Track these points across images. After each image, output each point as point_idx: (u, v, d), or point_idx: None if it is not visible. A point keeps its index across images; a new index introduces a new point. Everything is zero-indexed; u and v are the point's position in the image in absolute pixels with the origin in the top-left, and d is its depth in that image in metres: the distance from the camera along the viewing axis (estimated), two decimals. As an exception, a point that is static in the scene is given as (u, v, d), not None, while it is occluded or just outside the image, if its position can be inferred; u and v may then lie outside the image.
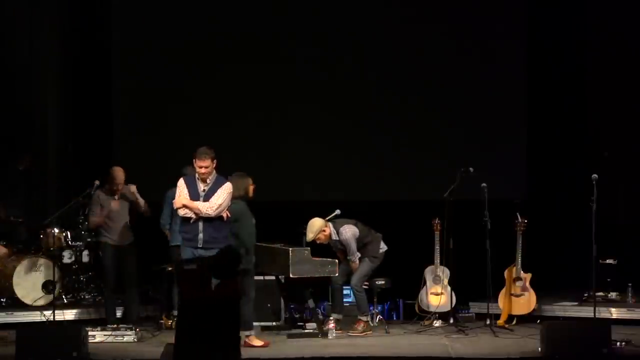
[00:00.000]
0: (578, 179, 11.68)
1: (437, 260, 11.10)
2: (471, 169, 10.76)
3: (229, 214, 9.24)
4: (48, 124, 12.76)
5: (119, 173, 10.64)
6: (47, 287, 11.10)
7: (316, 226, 10.54)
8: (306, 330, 10.62)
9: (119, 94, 12.89)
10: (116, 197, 10.61)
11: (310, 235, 10.56)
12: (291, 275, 10.14)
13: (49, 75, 12.81)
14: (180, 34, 12.80)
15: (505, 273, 11.01)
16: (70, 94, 12.92)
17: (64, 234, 11.55)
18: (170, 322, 10.96)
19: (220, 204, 9.07)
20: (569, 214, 12.05)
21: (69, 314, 10.89)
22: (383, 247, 10.79)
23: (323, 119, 12.73)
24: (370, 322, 10.72)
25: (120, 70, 12.90)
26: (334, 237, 10.67)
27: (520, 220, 10.93)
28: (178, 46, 12.81)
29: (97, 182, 10.60)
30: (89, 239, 11.73)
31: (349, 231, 10.62)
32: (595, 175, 9.75)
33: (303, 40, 12.82)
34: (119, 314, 10.92)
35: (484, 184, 10.66)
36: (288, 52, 12.84)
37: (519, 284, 10.94)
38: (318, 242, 10.63)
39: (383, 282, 11.05)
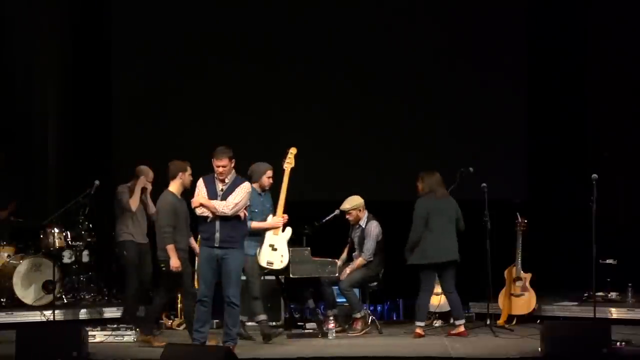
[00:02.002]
0: (578, 179, 11.67)
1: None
2: (471, 168, 10.76)
3: (246, 213, 9.24)
4: (48, 124, 12.77)
5: (151, 173, 10.64)
6: (47, 287, 11.10)
7: (356, 201, 10.74)
8: (306, 330, 10.62)
9: (118, 93, 12.90)
10: (143, 196, 10.64)
11: (346, 205, 10.70)
12: (291, 275, 10.14)
13: (49, 75, 12.81)
14: (180, 33, 12.82)
15: (505, 273, 11.01)
16: (70, 93, 12.92)
17: (64, 234, 11.55)
18: (170, 322, 10.98)
19: (237, 203, 9.05)
20: (569, 214, 12.04)
21: (69, 314, 10.89)
22: (381, 275, 10.85)
23: (324, 119, 12.75)
24: (367, 320, 10.71)
25: (119, 69, 12.91)
26: (362, 223, 10.75)
27: (520, 220, 10.93)
28: (178, 46, 12.83)
29: (97, 182, 10.60)
30: (89, 239, 11.74)
31: (377, 228, 10.76)
32: (595, 175, 9.75)
33: (305, 40, 12.84)
34: (119, 314, 10.93)
35: (484, 184, 10.66)
36: (290, 52, 12.85)
37: (519, 284, 10.94)
38: (347, 217, 10.73)
39: (375, 283, 11.02)
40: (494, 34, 12.77)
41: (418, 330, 10.20)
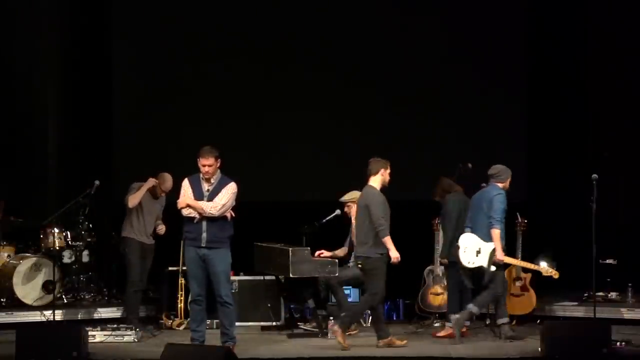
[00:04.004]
0: (578, 179, 11.67)
1: (437, 260, 11.10)
2: (470, 164, 10.77)
3: (233, 214, 9.23)
4: (48, 124, 12.77)
5: (169, 182, 10.63)
6: (47, 287, 11.10)
7: (355, 195, 10.66)
8: (306, 330, 10.61)
9: (118, 93, 12.89)
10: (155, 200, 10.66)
11: (345, 197, 10.70)
12: (291, 275, 10.14)
13: (50, 75, 12.81)
14: (181, 32, 12.82)
15: (505, 273, 11.00)
16: (70, 94, 12.92)
17: (64, 234, 11.55)
18: (170, 322, 10.98)
19: (224, 204, 9.06)
20: (569, 214, 12.04)
21: (69, 314, 10.89)
22: None
23: (324, 119, 12.74)
24: (362, 322, 10.68)
25: (120, 70, 12.91)
26: None
27: (520, 220, 10.93)
28: (178, 46, 12.83)
29: (97, 182, 10.58)
30: (89, 239, 11.74)
31: None
32: (595, 175, 9.75)
33: (305, 41, 12.84)
34: (119, 314, 10.94)
35: (484, 184, 10.66)
36: (288, 53, 12.85)
37: (519, 284, 10.94)
38: (345, 209, 10.72)
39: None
40: (494, 34, 12.77)
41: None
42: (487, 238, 9.84)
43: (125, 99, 12.89)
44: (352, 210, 10.78)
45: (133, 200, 10.48)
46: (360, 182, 11.67)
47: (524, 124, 12.80)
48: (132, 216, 10.55)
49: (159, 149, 12.55)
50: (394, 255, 9.50)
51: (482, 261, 9.87)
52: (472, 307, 9.86)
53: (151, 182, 10.59)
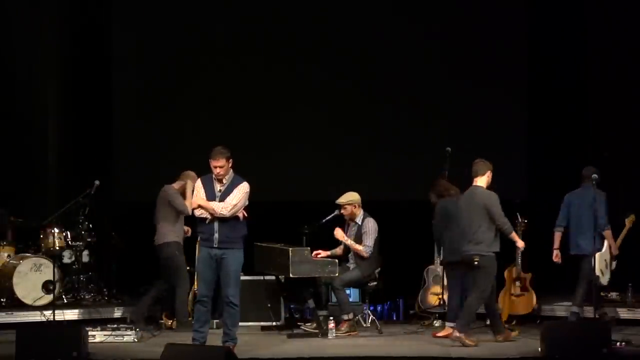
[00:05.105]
0: (578, 179, 11.67)
1: (437, 260, 11.10)
2: (449, 148, 10.88)
3: (245, 214, 9.22)
4: (48, 124, 12.77)
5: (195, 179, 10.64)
6: (47, 287, 11.09)
7: (352, 197, 10.73)
8: (306, 330, 10.61)
9: (118, 93, 12.89)
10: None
11: (342, 200, 10.71)
12: (291, 275, 10.14)
13: (49, 75, 12.81)
14: (180, 33, 12.82)
15: (505, 273, 11.02)
16: (70, 94, 12.91)
17: (64, 234, 11.55)
18: (170, 322, 10.97)
19: (235, 205, 9.04)
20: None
21: (69, 314, 10.89)
22: (377, 273, 10.81)
23: (324, 119, 12.74)
24: (354, 322, 10.64)
25: (120, 70, 12.91)
26: (358, 220, 10.72)
27: (520, 220, 10.93)
28: (179, 45, 12.82)
29: (97, 182, 10.58)
30: (89, 239, 11.74)
31: (375, 225, 10.71)
32: (595, 175, 9.75)
33: (305, 41, 12.84)
34: (119, 314, 10.94)
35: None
36: (289, 54, 12.85)
37: (519, 284, 10.95)
38: (342, 212, 10.72)
39: (375, 282, 10.98)
40: (495, 34, 12.77)
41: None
42: (595, 236, 10.18)
43: (125, 99, 12.89)
44: (348, 212, 10.74)
45: (190, 206, 10.40)
46: (360, 183, 11.72)
47: (524, 123, 12.80)
48: (171, 220, 10.56)
49: (159, 149, 12.55)
50: (521, 244, 10.07)
51: (608, 268, 10.40)
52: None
53: (191, 185, 10.51)
